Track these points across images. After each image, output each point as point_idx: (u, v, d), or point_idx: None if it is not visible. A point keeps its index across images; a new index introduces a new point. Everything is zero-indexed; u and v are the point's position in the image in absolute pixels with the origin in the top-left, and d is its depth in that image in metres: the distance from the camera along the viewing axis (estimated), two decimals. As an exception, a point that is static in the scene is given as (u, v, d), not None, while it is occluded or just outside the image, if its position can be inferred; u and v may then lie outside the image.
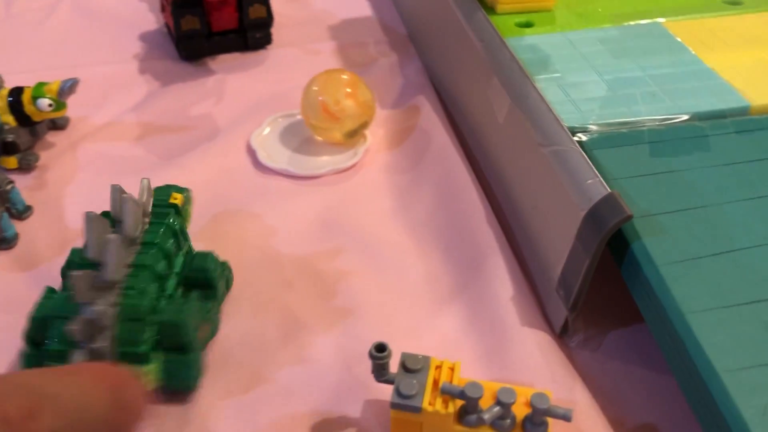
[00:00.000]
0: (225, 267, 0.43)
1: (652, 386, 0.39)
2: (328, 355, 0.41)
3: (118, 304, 0.35)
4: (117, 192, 0.38)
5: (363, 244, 0.48)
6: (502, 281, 0.44)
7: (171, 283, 0.39)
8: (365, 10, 0.76)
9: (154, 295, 0.37)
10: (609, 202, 0.37)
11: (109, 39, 0.69)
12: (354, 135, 0.56)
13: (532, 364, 0.39)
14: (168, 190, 0.43)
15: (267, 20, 0.66)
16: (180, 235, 0.41)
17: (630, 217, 0.36)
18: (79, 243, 0.38)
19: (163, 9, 0.68)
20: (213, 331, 0.41)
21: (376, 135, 0.58)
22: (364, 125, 0.56)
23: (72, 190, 0.53)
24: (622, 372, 0.40)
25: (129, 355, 0.36)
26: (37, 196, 0.52)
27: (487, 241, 0.46)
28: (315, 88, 0.55)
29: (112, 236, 0.35)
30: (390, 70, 0.66)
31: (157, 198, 0.42)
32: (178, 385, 0.38)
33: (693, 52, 0.50)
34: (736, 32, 0.53)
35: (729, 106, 0.45)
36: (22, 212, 0.50)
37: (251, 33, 0.66)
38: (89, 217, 0.36)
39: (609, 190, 0.38)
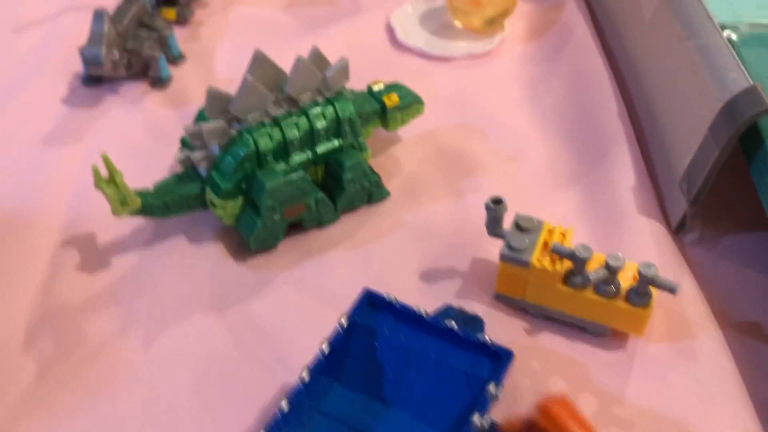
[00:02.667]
0: (372, 180, 0.42)
1: (763, 290, 0.39)
2: (442, 216, 0.43)
3: (232, 137, 0.38)
4: (301, 58, 0.39)
5: (489, 127, 0.49)
6: (624, 170, 0.44)
7: (300, 157, 0.40)
8: None
9: (268, 150, 0.38)
10: (750, 94, 0.36)
11: None
12: (493, 23, 0.56)
13: (644, 251, 0.40)
14: (395, 89, 0.45)
15: None
16: (346, 125, 0.41)
17: (767, 111, 0.36)
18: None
19: None
20: (314, 220, 0.41)
21: (515, 26, 0.58)
22: (505, 14, 0.56)
23: (222, 44, 0.56)
24: (734, 272, 0.40)
25: (214, 182, 0.39)
26: (190, 47, 0.56)
27: (613, 131, 0.46)
28: None
29: (248, 77, 0.37)
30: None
31: (374, 91, 0.44)
32: (243, 236, 0.40)
33: None
34: None
35: None
36: (176, 57, 0.54)
37: None
38: (255, 57, 0.39)
39: (751, 82, 0.37)
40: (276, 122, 0.39)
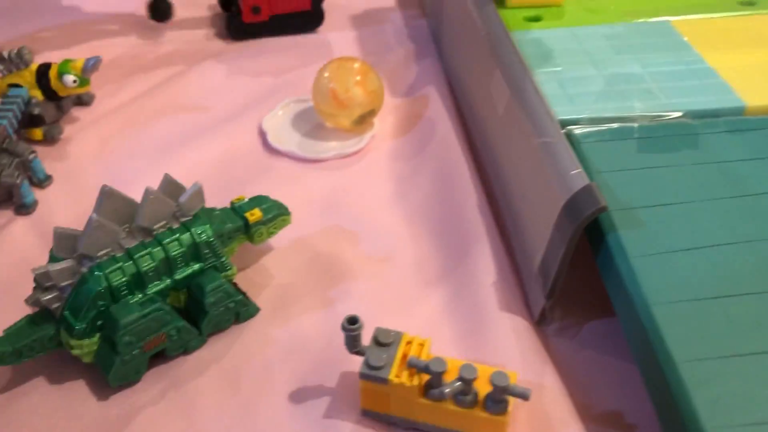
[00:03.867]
0: (236, 300, 0.42)
1: (623, 376, 0.40)
2: (313, 329, 0.43)
3: (83, 275, 0.38)
4: (158, 187, 0.40)
5: (361, 228, 0.50)
6: (486, 267, 0.45)
7: (157, 286, 0.39)
8: (389, 1, 0.78)
9: (121, 284, 0.38)
10: (586, 192, 0.38)
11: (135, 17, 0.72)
12: (362, 122, 0.57)
13: (506, 347, 0.40)
14: (259, 203, 0.45)
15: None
16: (205, 248, 0.41)
17: (604, 209, 0.37)
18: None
19: (257, 10, 0.69)
20: (179, 348, 0.41)
21: (384, 122, 0.59)
22: (372, 113, 0.57)
23: (92, 163, 0.55)
24: (595, 361, 0.41)
25: (68, 323, 0.38)
26: (58, 167, 0.55)
27: (476, 228, 0.48)
28: (326, 74, 0.56)
29: (94, 216, 0.37)
30: (405, 59, 0.67)
31: (236, 207, 0.44)
32: (104, 373, 0.39)
33: (696, 51, 0.50)
34: (746, 32, 0.53)
35: (724, 105, 0.45)
36: (42, 181, 0.53)
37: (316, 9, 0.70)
38: (102, 192, 0.38)
39: (588, 181, 0.39)
40: (129, 255, 0.39)
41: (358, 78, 0.56)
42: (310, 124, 0.59)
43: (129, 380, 0.39)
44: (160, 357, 0.41)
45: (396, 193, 0.53)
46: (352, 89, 0.55)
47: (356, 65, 0.56)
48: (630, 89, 0.47)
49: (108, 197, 0.39)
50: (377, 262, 0.47)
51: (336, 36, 0.71)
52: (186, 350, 0.41)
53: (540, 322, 0.43)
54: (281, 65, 0.66)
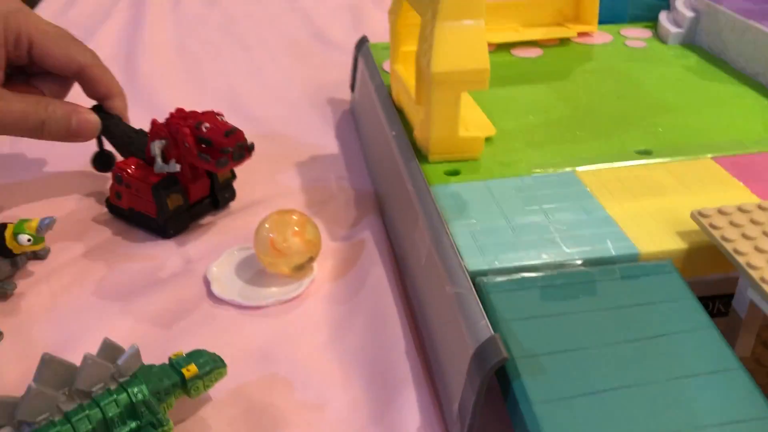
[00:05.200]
0: None
1: None
2: (245, 481, 0.45)
3: None
4: (96, 351, 0.43)
5: (296, 376, 0.52)
6: (411, 413, 0.48)
7: None
8: (333, 147, 0.84)
9: None
10: (490, 344, 0.42)
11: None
12: (301, 269, 0.61)
13: (429, 494, 0.43)
14: (196, 357, 0.47)
15: (232, 179, 0.71)
16: (142, 406, 0.43)
17: (505, 359, 0.41)
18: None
19: (119, 196, 0.68)
20: None
21: (324, 266, 0.64)
22: (310, 260, 0.62)
23: (45, 318, 0.58)
24: (514, 501, 0.43)
25: None
26: (10, 323, 0.58)
27: (404, 374, 0.51)
28: (266, 225, 0.61)
29: (32, 384, 0.40)
30: (346, 205, 0.72)
31: (173, 362, 0.47)
32: None
33: (597, 201, 0.56)
34: (642, 181, 0.59)
35: (619, 252, 0.50)
36: (-7, 339, 0.56)
37: (221, 194, 0.70)
38: (42, 360, 0.41)
39: (492, 332, 0.43)
40: (67, 418, 0.41)
41: (296, 229, 0.60)
42: (254, 270, 0.63)
43: None
44: None
45: (332, 338, 0.56)
46: (290, 239, 0.60)
47: (294, 217, 0.61)
48: (535, 240, 0.52)
49: (47, 365, 0.41)
50: (310, 410, 0.50)
51: (282, 187, 0.76)
52: None
53: (463, 465, 0.45)
54: (226, 218, 0.71)
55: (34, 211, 0.65)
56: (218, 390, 0.51)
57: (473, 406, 0.43)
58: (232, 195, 0.72)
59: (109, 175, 0.71)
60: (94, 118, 0.69)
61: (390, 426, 0.48)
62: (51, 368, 0.42)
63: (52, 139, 0.68)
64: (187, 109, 0.66)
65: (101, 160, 0.75)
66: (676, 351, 0.44)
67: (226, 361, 0.51)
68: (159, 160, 0.63)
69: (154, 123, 0.65)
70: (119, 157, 0.72)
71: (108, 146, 0.73)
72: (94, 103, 0.72)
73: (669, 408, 0.40)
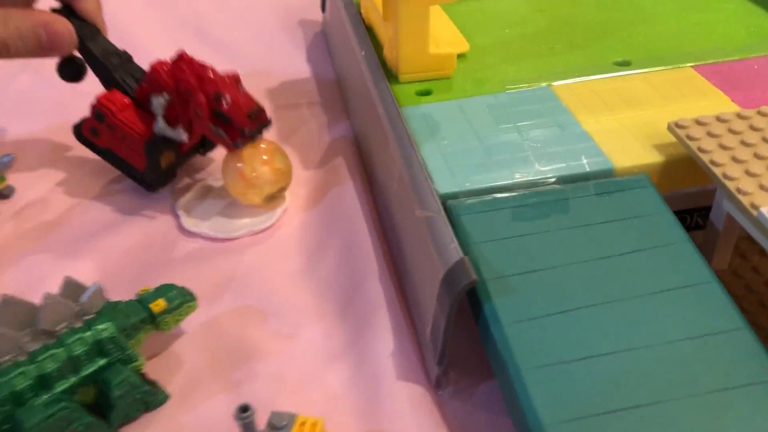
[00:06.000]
0: (143, 391, 0.43)
1: (512, 434, 0.42)
2: (219, 413, 0.44)
3: None
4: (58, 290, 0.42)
5: (269, 307, 0.52)
6: (385, 337, 0.48)
7: (63, 385, 0.41)
8: (305, 71, 0.81)
9: (24, 388, 0.39)
10: (459, 266, 0.41)
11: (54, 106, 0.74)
12: (272, 199, 0.60)
13: (403, 417, 0.43)
14: (164, 292, 0.46)
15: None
16: (109, 343, 0.42)
17: (474, 282, 0.40)
18: None
19: (96, 133, 0.60)
20: None
21: (296, 195, 0.62)
22: (281, 190, 0.60)
23: (10, 260, 0.57)
24: (490, 422, 0.43)
25: None
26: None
27: (377, 299, 0.50)
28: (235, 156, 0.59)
29: None
30: (318, 131, 0.70)
31: (141, 298, 0.46)
32: None
33: (573, 116, 0.54)
34: (619, 93, 0.57)
35: (594, 168, 0.49)
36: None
37: (208, 142, 0.64)
38: (2, 301, 0.40)
39: (461, 255, 0.42)
40: (32, 358, 0.41)
41: (265, 158, 0.59)
42: (224, 202, 0.62)
43: None
44: (70, 453, 0.42)
45: (305, 267, 0.55)
46: (259, 168, 0.58)
47: (263, 146, 0.59)
48: (508, 159, 0.50)
49: (7, 305, 0.40)
50: (283, 339, 0.49)
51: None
52: None
53: (437, 387, 0.45)
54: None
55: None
56: (190, 323, 0.50)
57: (444, 329, 0.42)
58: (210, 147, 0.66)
59: (78, 86, 0.62)
60: (68, 28, 0.57)
61: (363, 352, 0.47)
62: (11, 309, 0.41)
63: (20, 57, 0.57)
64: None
65: (69, 69, 0.61)
66: (649, 266, 0.43)
67: (198, 294, 0.50)
68: (161, 120, 0.56)
69: (155, 69, 0.56)
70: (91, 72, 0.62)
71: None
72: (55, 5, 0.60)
73: (641, 323, 0.40)
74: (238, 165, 0.58)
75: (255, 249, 0.57)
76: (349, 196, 0.60)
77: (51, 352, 0.41)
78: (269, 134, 0.69)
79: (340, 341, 0.49)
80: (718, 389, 0.37)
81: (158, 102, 0.56)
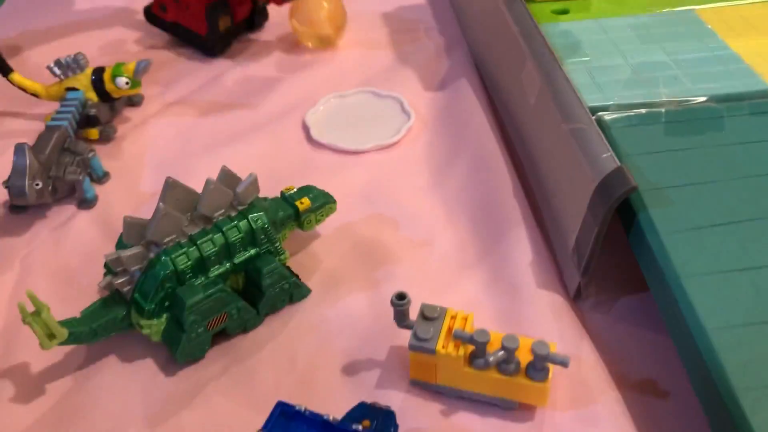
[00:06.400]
0: (290, 282, 0.45)
1: (656, 347, 0.42)
2: (361, 308, 0.46)
3: (151, 260, 0.41)
4: (216, 178, 0.43)
5: (400, 216, 0.52)
6: (522, 248, 0.48)
7: (218, 270, 0.42)
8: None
9: (186, 268, 0.41)
10: (617, 174, 0.41)
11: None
12: (328, 42, 0.69)
13: (544, 323, 0.43)
14: (307, 192, 0.48)
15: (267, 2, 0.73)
16: (261, 234, 0.44)
17: (634, 189, 0.40)
18: (151, 206, 0.43)
19: (164, 8, 0.70)
20: (239, 327, 0.44)
21: (419, 114, 0.62)
22: (337, 31, 0.69)
23: (145, 160, 0.59)
24: (629, 333, 0.43)
25: (138, 304, 0.41)
26: (115, 165, 0.59)
27: (511, 212, 0.50)
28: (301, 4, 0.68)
29: (161, 205, 0.40)
30: (436, 54, 0.70)
31: (286, 196, 0.47)
32: (171, 350, 0.42)
33: (721, 38, 0.52)
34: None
35: (748, 89, 0.47)
36: (101, 177, 0.57)
37: (258, 17, 0.74)
38: (166, 183, 0.42)
39: (618, 164, 0.41)
40: (192, 241, 0.42)
41: (326, 4, 0.68)
42: (351, 118, 0.62)
43: (194, 357, 0.43)
44: (222, 335, 0.44)
45: (433, 182, 0.55)
46: (314, 12, 0.68)
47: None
48: (656, 76, 0.49)
49: (172, 188, 0.42)
50: (418, 246, 0.50)
51: (372, 35, 0.73)
52: (245, 329, 0.44)
53: (576, 299, 0.45)
54: (322, 66, 0.69)
55: (72, 48, 0.64)
56: (326, 227, 0.51)
57: (595, 237, 0.42)
58: (266, 17, 0.75)
59: None
60: None
61: (499, 260, 0.48)
62: (175, 192, 0.42)
63: None
64: None
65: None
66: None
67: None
68: None
69: None
70: None
71: None
72: None
73: (806, 240, 0.39)
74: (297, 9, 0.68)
75: (383, 163, 0.58)
76: (475, 116, 0.60)
77: (210, 236, 0.42)
78: (389, 57, 0.69)
79: (475, 250, 0.49)
80: None
81: None
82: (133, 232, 0.41)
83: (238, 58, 0.71)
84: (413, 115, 0.61)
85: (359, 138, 0.60)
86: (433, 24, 0.75)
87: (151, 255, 0.41)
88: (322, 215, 0.49)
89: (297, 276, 0.46)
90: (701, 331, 0.36)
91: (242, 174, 0.51)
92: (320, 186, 0.53)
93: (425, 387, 0.41)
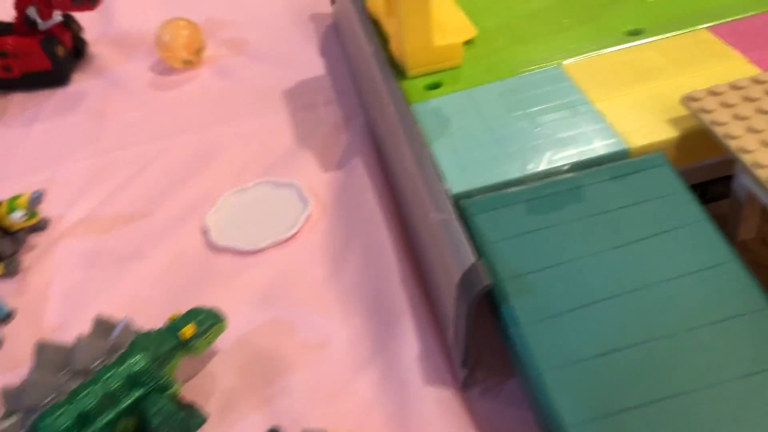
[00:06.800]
0: (180, 416, 0.45)
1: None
2: (255, 430, 0.46)
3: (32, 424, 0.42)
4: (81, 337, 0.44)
5: (296, 317, 0.53)
6: (410, 341, 0.48)
7: (104, 420, 0.43)
8: (319, 67, 0.81)
9: (67, 428, 0.41)
10: (473, 271, 0.41)
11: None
12: (191, 63, 0.81)
13: (431, 420, 0.43)
14: (194, 316, 0.48)
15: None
16: (143, 375, 0.44)
17: (488, 287, 0.40)
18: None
19: (9, 69, 0.81)
20: None
21: (318, 200, 0.63)
22: (198, 53, 0.81)
23: (49, 292, 0.59)
24: (519, 418, 0.44)
25: None
26: (21, 301, 0.59)
27: (400, 304, 0.51)
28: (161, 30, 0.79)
29: (29, 374, 0.41)
30: (335, 128, 0.70)
31: (171, 326, 0.47)
32: None
33: (584, 96, 0.53)
34: (632, 65, 0.55)
35: (607, 151, 0.48)
36: (6, 317, 0.57)
37: (80, 43, 0.87)
38: (36, 347, 0.42)
39: (473, 260, 0.41)
40: (71, 397, 0.42)
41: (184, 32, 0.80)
42: (251, 213, 0.63)
43: None
44: (118, 480, 0.44)
45: (329, 273, 0.56)
46: (173, 36, 0.79)
47: (182, 23, 0.80)
48: (520, 149, 0.50)
49: (42, 350, 0.42)
50: (312, 350, 0.50)
51: (271, 117, 0.74)
52: None
53: (464, 388, 0.46)
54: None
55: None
56: (223, 342, 0.52)
57: (465, 334, 0.42)
58: (85, 43, 0.86)
59: None
60: None
61: (391, 357, 0.48)
62: (46, 353, 0.43)
63: None
64: None
65: None
66: (667, 250, 0.42)
67: (227, 311, 0.51)
68: (39, 21, 0.78)
69: None
70: None
71: None
72: None
73: (661, 312, 0.39)
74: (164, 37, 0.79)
75: (281, 259, 0.58)
76: (368, 198, 0.60)
77: (88, 389, 0.43)
78: (288, 139, 0.70)
79: (368, 347, 0.50)
80: (744, 375, 0.36)
81: (32, 10, 0.77)
82: (10, 399, 0.42)
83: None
84: (311, 203, 0.62)
85: (258, 235, 0.60)
86: (332, 96, 0.76)
87: (28, 423, 0.42)
88: (212, 336, 0.49)
89: (190, 406, 0.46)
90: (561, 427, 0.36)
91: (140, 300, 0.52)
92: (220, 294, 0.54)
93: None
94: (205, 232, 0.62)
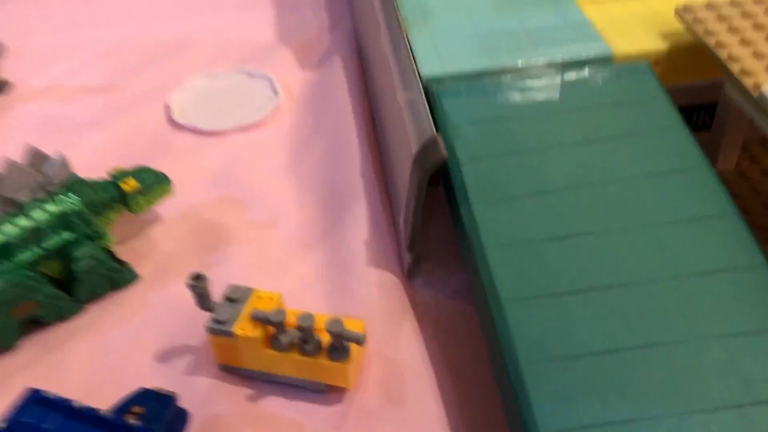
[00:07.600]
0: (109, 266, 0.43)
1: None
2: (188, 294, 0.43)
3: None
4: (9, 160, 0.41)
5: (249, 198, 0.50)
6: (360, 227, 0.46)
7: (26, 255, 0.40)
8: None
9: None
10: (431, 144, 0.39)
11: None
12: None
13: (369, 301, 0.41)
14: (139, 173, 0.46)
15: None
16: (74, 216, 0.42)
17: (443, 158, 0.38)
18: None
19: None
20: (53, 315, 0.42)
21: (290, 95, 0.60)
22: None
23: (3, 149, 0.57)
24: (460, 310, 0.42)
25: None
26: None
27: (357, 192, 0.48)
28: None
29: None
30: (319, 33, 0.68)
31: (113, 176, 0.45)
32: None
33: (577, 5, 0.50)
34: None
35: (591, 54, 0.46)
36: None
37: None
38: None
39: (434, 134, 0.39)
40: None
41: None
42: (219, 99, 0.60)
43: (2, 347, 0.41)
44: (37, 324, 0.42)
45: (290, 163, 0.53)
46: None
47: None
48: (501, 44, 0.47)
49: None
50: (260, 228, 0.48)
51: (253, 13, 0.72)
52: (62, 317, 0.43)
53: (409, 276, 0.44)
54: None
55: None
56: (168, 210, 0.49)
57: (414, 209, 0.40)
58: None
59: None
60: None
61: (339, 240, 0.46)
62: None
63: None
64: None
65: None
66: (638, 150, 0.40)
67: (179, 184, 0.49)
68: None
69: None
70: None
71: None
72: None
73: (621, 207, 0.37)
74: None
75: (242, 144, 0.56)
76: (340, 94, 0.58)
77: (14, 219, 0.40)
78: (272, 34, 0.67)
79: (317, 230, 0.47)
80: (699, 273, 0.34)
81: None
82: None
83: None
84: (281, 95, 0.60)
85: (221, 118, 0.58)
86: (322, 2, 0.73)
87: None
88: (154, 197, 0.47)
89: (121, 262, 0.44)
90: (499, 306, 0.34)
91: (93, 162, 0.49)
92: (174, 168, 0.51)
93: (235, 372, 0.39)
94: (167, 110, 0.59)
